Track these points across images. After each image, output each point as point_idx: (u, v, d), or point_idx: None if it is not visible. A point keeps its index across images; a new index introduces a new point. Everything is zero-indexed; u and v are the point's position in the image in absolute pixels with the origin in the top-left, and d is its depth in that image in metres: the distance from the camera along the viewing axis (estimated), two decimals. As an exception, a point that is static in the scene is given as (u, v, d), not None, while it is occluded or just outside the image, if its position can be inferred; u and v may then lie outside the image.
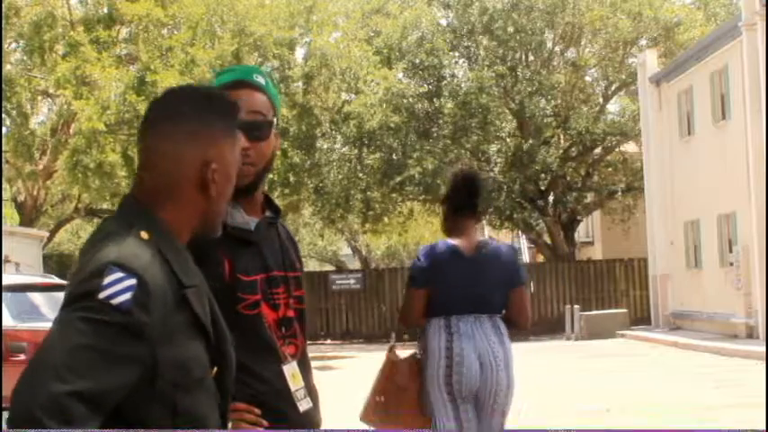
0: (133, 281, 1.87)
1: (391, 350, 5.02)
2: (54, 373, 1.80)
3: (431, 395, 4.84)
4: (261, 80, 2.79)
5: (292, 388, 2.66)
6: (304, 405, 2.68)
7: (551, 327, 28.02)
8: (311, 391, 2.74)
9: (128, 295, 1.86)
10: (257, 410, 2.54)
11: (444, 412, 4.83)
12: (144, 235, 1.97)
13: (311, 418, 2.71)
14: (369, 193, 29.26)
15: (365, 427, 4.98)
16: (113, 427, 1.89)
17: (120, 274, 1.87)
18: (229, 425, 2.50)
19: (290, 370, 2.68)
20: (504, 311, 5.00)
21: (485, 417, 4.87)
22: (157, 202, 2.05)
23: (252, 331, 2.63)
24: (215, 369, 2.09)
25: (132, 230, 1.98)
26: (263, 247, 2.71)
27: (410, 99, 29.07)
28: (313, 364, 2.84)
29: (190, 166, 2.06)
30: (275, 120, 2.77)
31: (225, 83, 2.77)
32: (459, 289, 4.87)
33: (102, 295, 1.85)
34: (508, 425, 5.02)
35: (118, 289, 1.86)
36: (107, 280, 1.86)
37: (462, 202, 5.01)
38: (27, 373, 1.83)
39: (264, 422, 2.54)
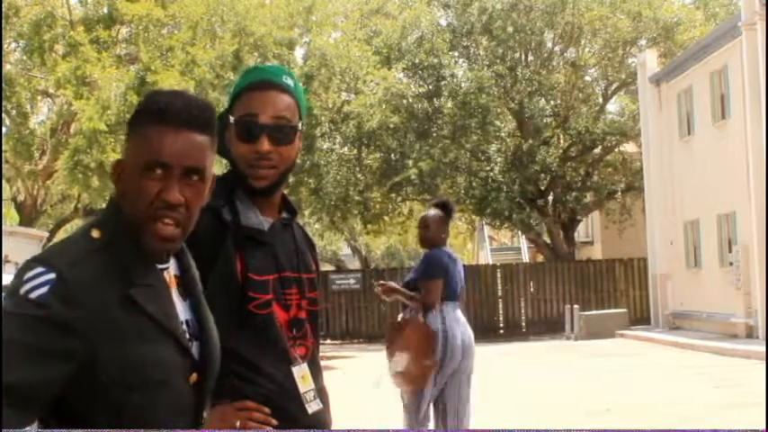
0: (51, 275, 1.90)
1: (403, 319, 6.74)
2: None
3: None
4: (289, 82, 2.77)
5: (302, 389, 2.66)
6: (313, 407, 2.68)
7: (551, 327, 28.03)
8: (321, 393, 2.74)
9: (45, 289, 1.89)
10: (267, 410, 2.55)
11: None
12: (95, 233, 2.00)
13: (320, 420, 2.71)
14: (368, 193, 29.26)
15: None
16: (55, 422, 1.92)
17: (39, 269, 1.92)
18: (237, 423, 2.50)
19: (300, 371, 2.67)
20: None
21: (459, 384, 6.58)
22: (121, 203, 2.08)
23: (263, 331, 2.63)
24: (194, 375, 2.08)
25: (85, 229, 2.02)
26: (277, 248, 2.70)
27: (409, 99, 29.07)
28: (312, 364, 2.85)
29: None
30: (300, 124, 2.76)
31: (253, 82, 2.75)
32: (453, 283, 6.68)
33: (22, 290, 1.90)
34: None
35: (36, 283, 1.90)
36: (27, 275, 1.92)
37: (449, 223, 6.91)
38: None
39: (273, 421, 2.55)
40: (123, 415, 1.96)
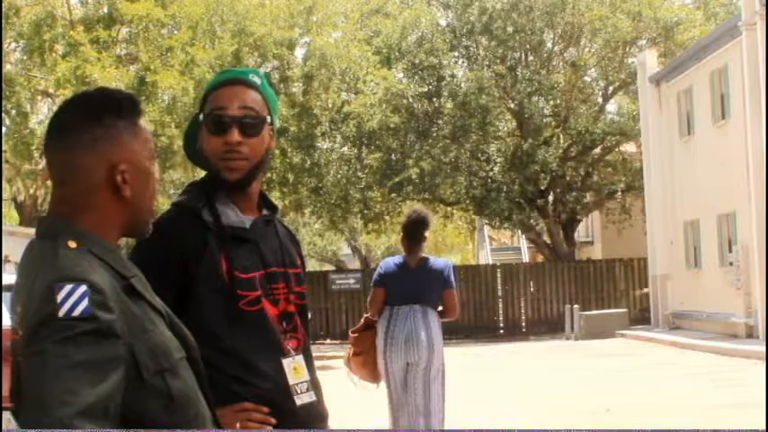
0: (83, 287, 1.88)
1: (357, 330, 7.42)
2: (56, 402, 1.80)
3: (377, 361, 7.18)
4: (256, 80, 2.83)
5: (291, 381, 2.68)
6: (304, 398, 2.70)
7: (551, 327, 28.04)
8: (315, 385, 2.76)
9: (85, 302, 1.87)
10: (265, 409, 2.57)
11: (384, 374, 7.17)
12: (71, 244, 1.98)
13: (313, 412, 2.72)
14: (368, 192, 29.27)
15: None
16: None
17: (69, 287, 1.88)
18: (237, 425, 2.51)
19: (291, 363, 2.70)
20: (440, 307, 7.23)
21: (414, 377, 7.08)
22: (76, 215, 2.03)
23: (255, 328, 2.66)
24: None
25: (58, 243, 1.98)
26: (261, 245, 2.75)
27: (410, 99, 29.08)
28: (312, 364, 2.86)
29: (97, 173, 2.03)
30: (269, 118, 2.80)
31: (219, 81, 2.83)
32: (401, 288, 7.16)
33: (62, 313, 1.86)
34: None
35: (74, 300, 1.87)
36: (60, 297, 1.87)
37: (416, 234, 7.25)
38: (28, 417, 1.83)
39: (272, 420, 2.57)
40: (174, 399, 1.98)
